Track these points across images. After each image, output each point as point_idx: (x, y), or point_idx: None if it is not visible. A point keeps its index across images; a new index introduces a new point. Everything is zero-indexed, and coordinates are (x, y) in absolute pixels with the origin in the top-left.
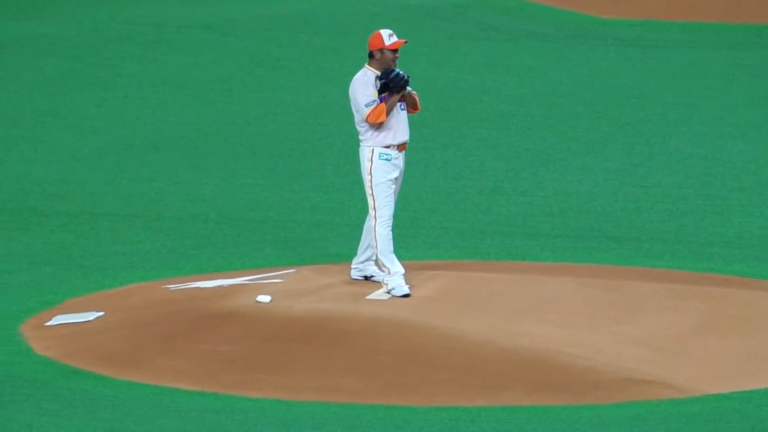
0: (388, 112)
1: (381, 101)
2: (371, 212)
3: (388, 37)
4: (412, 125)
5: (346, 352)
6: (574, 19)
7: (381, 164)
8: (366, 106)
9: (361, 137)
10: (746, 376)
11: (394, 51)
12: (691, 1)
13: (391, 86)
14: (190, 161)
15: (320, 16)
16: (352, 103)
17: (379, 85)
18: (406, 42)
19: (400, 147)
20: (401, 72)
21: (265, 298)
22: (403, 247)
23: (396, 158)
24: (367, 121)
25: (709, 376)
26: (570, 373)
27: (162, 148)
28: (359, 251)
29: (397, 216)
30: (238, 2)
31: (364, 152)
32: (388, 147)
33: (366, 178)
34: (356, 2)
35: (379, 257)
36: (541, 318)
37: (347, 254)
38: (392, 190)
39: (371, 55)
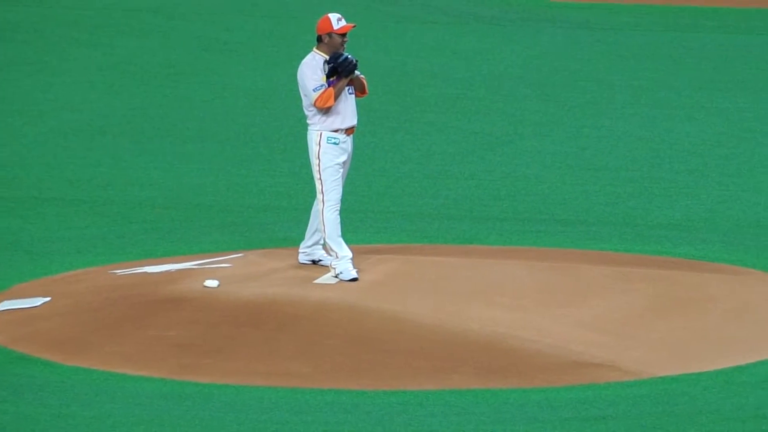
0: (336, 97)
1: (329, 86)
2: (319, 196)
3: (336, 21)
4: (361, 109)
5: (295, 337)
6: (521, 2)
7: (329, 148)
8: (314, 90)
9: (308, 121)
10: (694, 359)
11: (343, 35)
12: None
13: (339, 70)
14: (137, 146)
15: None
16: (300, 88)
17: (327, 70)
18: (354, 26)
19: (348, 131)
20: (349, 56)
21: (212, 283)
22: (351, 231)
23: (344, 142)
24: (315, 105)
25: (656, 359)
26: (518, 356)
27: (109, 133)
28: (307, 235)
29: (345, 200)
30: None
31: (312, 136)
32: (336, 131)
33: (314, 162)
34: None
35: (326, 241)
36: (490, 301)
37: (295, 238)
38: (340, 174)
39: (319, 39)
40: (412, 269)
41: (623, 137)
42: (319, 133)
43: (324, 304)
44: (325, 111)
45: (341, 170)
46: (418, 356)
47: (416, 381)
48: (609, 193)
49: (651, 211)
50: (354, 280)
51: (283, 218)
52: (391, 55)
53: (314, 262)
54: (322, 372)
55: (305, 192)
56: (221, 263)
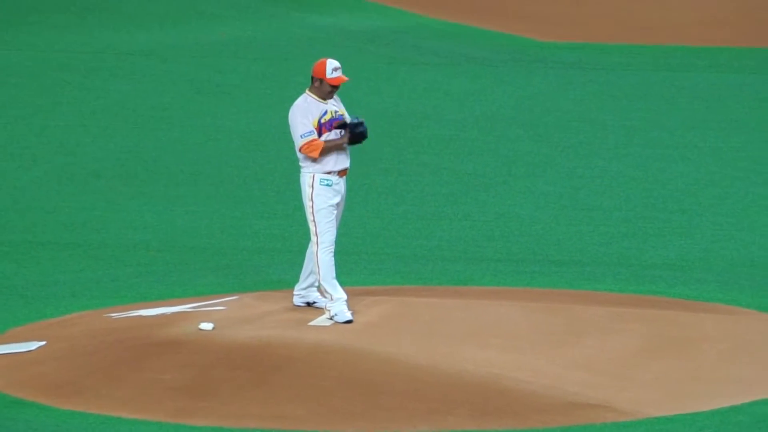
0: (325, 153)
1: (321, 136)
2: (313, 238)
3: (332, 70)
4: (353, 150)
5: (290, 379)
6: (513, 43)
7: (322, 190)
8: (301, 136)
9: (301, 163)
10: (689, 399)
11: (334, 86)
12: (630, 24)
13: (350, 136)
14: (130, 189)
15: (260, 42)
16: (290, 130)
17: (338, 124)
18: (347, 80)
19: (341, 173)
20: (366, 129)
21: (207, 326)
22: (345, 273)
23: (337, 184)
24: (300, 151)
25: (652, 399)
26: (513, 397)
27: (103, 176)
28: (301, 278)
29: (339, 242)
30: (178, 29)
31: (305, 178)
32: (329, 173)
33: (307, 204)
34: (296, 28)
35: (321, 283)
36: (484, 342)
37: (289, 281)
38: (333, 216)
39: (313, 81)
40: (407, 311)
41: (616, 177)
42: (311, 175)
43: (319, 346)
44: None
45: (335, 212)
46: (413, 398)
47: (411, 423)
48: (603, 234)
49: (645, 251)
50: (349, 322)
51: (277, 261)
52: (383, 97)
53: (309, 304)
54: (317, 414)
55: (299, 234)
56: (216, 306)
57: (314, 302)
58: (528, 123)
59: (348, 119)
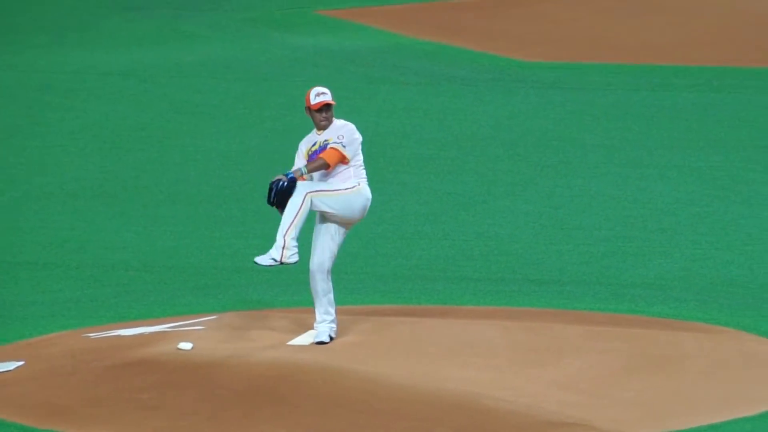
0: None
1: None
2: (317, 195)
3: (315, 96)
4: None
5: (269, 399)
6: (493, 62)
7: (362, 191)
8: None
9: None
10: (669, 417)
11: (319, 110)
12: (609, 44)
13: (275, 202)
14: (109, 209)
15: (239, 62)
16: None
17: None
18: (329, 102)
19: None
20: (273, 183)
21: (186, 346)
22: None
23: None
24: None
25: (632, 418)
26: (493, 416)
27: (81, 197)
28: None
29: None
30: (157, 49)
31: (350, 182)
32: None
33: (340, 189)
34: (275, 48)
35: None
36: (464, 361)
37: (268, 300)
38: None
39: (306, 113)
40: (386, 330)
41: (596, 197)
42: (357, 183)
43: (298, 365)
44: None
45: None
46: (393, 417)
47: None
48: (582, 253)
49: (625, 270)
50: (321, 343)
51: (256, 280)
52: (363, 116)
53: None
54: None
55: None
56: (195, 326)
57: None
58: (508, 142)
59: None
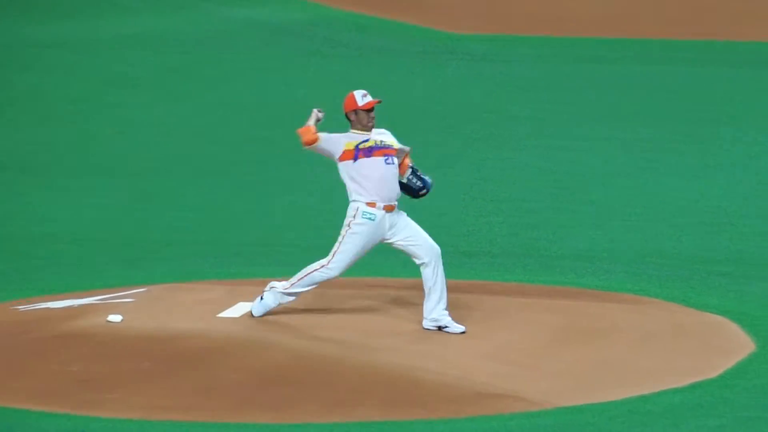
0: (309, 143)
1: (357, 160)
2: (329, 257)
3: (361, 97)
4: (263, 142)
5: (199, 371)
6: (423, 35)
7: (363, 223)
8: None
9: (348, 192)
10: (599, 389)
11: (369, 111)
12: (539, 16)
13: (414, 192)
14: (40, 181)
15: (171, 34)
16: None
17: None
18: (379, 101)
19: (387, 207)
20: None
21: (116, 318)
22: (255, 264)
23: (382, 219)
24: (297, 131)
25: (561, 389)
26: (423, 387)
27: (10, 169)
28: (429, 305)
29: (248, 234)
30: (90, 21)
31: (350, 209)
32: (372, 205)
33: (342, 230)
34: (206, 20)
35: (294, 284)
36: (395, 333)
37: (198, 273)
38: (356, 254)
39: (348, 118)
40: (318, 302)
41: (526, 169)
42: (356, 207)
43: (228, 338)
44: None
45: (362, 251)
46: (322, 389)
47: (321, 414)
48: (512, 225)
49: (554, 242)
50: (261, 315)
51: (186, 253)
52: (295, 88)
53: (440, 328)
54: (227, 406)
55: (209, 226)
56: (124, 298)
57: (446, 327)
58: (437, 115)
59: (416, 184)
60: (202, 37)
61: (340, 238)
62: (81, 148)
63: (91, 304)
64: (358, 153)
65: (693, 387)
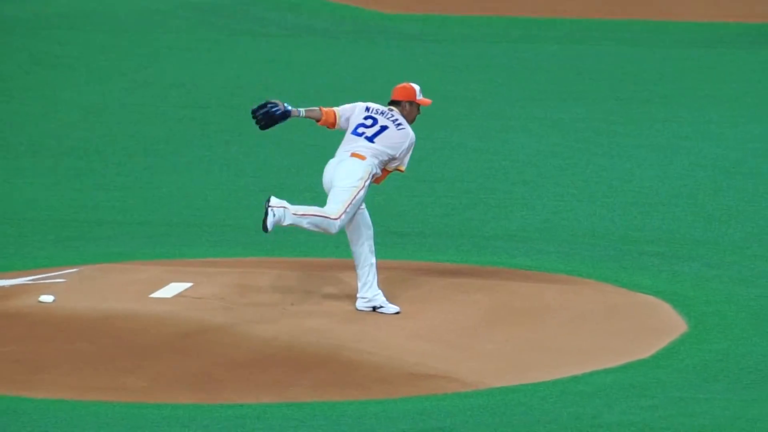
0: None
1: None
2: (336, 206)
3: (419, 92)
4: (194, 122)
5: (131, 351)
6: (355, 15)
7: (367, 187)
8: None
9: (365, 153)
10: (531, 369)
11: (421, 108)
12: None
13: (260, 118)
14: None
15: (99, 13)
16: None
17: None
18: (431, 102)
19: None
20: (270, 104)
21: (48, 298)
22: (187, 244)
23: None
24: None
25: (494, 369)
26: (356, 368)
27: None
28: (360, 280)
29: (179, 214)
30: (16, 0)
31: (363, 167)
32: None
33: (355, 183)
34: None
35: (303, 212)
36: (327, 313)
37: (129, 253)
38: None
39: (400, 104)
40: (249, 282)
41: (458, 149)
42: (370, 170)
43: (160, 318)
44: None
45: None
46: (255, 369)
47: (254, 394)
48: (445, 205)
49: (487, 222)
50: (266, 222)
51: (118, 233)
52: (225, 69)
53: (374, 308)
54: (159, 386)
55: (140, 206)
56: (56, 278)
57: (381, 307)
58: (369, 94)
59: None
60: (131, 17)
61: (349, 196)
62: (10, 127)
63: (23, 285)
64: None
65: (625, 367)
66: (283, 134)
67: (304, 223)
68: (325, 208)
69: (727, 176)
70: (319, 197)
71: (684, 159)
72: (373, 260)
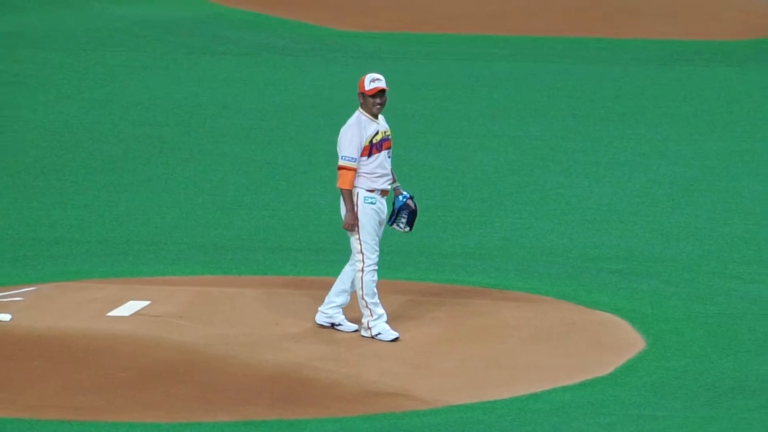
0: (345, 201)
1: (371, 156)
2: (357, 256)
3: (369, 81)
4: (151, 140)
5: (88, 370)
6: (312, 32)
7: (367, 208)
8: (343, 158)
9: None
10: (489, 387)
11: (374, 96)
12: (429, 13)
13: (400, 218)
14: None
15: (58, 31)
16: (338, 144)
17: (403, 216)
18: (384, 88)
19: (383, 192)
20: (405, 210)
21: (5, 317)
22: (144, 263)
23: (380, 203)
24: (339, 169)
25: (452, 387)
26: (314, 386)
27: None
28: (330, 295)
29: (137, 232)
30: None
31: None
32: (372, 191)
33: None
34: (95, 18)
35: (364, 299)
36: (284, 332)
37: (87, 272)
38: (377, 235)
39: (359, 98)
40: (206, 300)
41: (416, 166)
42: (356, 192)
43: (117, 336)
44: (365, 169)
45: (379, 231)
46: (212, 388)
47: (210, 413)
48: None
49: (445, 239)
50: (396, 339)
51: (75, 251)
52: (182, 87)
53: (333, 325)
54: (116, 405)
55: (97, 224)
56: (13, 297)
57: (339, 324)
58: (328, 112)
59: (401, 208)
60: (88, 35)
61: (355, 235)
62: None
63: None
64: (372, 149)
65: (583, 385)
66: (241, 152)
67: (375, 300)
68: (352, 265)
69: (685, 193)
70: (276, 214)
71: (642, 176)
72: (351, 281)
